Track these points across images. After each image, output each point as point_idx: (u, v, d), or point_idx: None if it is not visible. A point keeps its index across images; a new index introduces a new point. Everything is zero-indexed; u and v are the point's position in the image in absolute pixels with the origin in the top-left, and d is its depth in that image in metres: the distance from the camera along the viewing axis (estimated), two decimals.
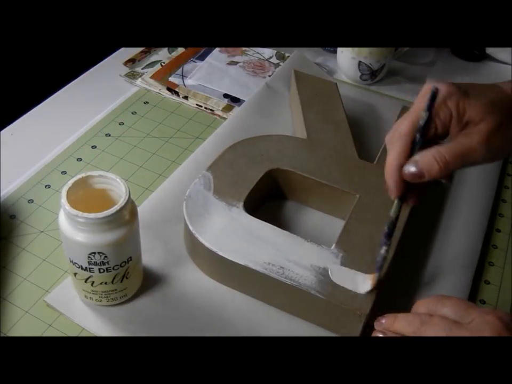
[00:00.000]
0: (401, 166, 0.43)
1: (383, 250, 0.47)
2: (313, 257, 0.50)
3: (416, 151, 0.43)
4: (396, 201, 0.45)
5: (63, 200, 0.44)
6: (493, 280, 0.57)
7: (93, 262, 0.45)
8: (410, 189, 0.45)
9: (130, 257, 0.47)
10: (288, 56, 0.83)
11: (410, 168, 0.42)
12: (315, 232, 0.58)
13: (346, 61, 0.79)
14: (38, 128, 0.71)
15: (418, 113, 0.43)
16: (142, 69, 0.80)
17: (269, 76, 0.80)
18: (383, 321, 0.43)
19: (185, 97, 0.76)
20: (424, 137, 0.43)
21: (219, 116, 0.74)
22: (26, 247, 0.56)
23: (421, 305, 0.43)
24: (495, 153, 0.42)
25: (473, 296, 0.55)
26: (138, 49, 0.84)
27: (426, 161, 0.42)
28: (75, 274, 0.47)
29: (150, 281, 0.53)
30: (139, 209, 0.48)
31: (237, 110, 0.74)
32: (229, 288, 0.53)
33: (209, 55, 0.84)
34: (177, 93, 0.76)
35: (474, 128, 0.41)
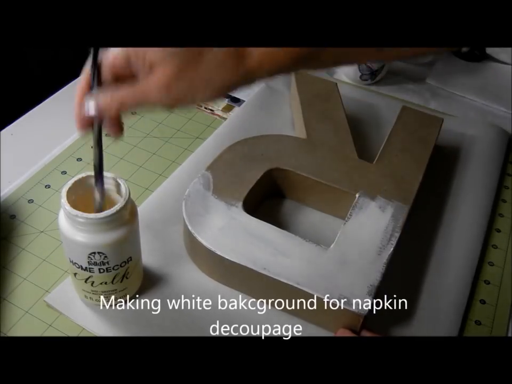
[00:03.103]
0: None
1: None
2: (312, 256, 0.50)
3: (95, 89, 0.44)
4: (95, 130, 0.47)
5: (63, 200, 0.44)
6: (493, 280, 0.57)
7: (93, 262, 0.45)
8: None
9: (130, 257, 0.47)
10: None
11: (89, 108, 0.44)
12: (314, 231, 0.58)
13: None
14: (38, 128, 0.71)
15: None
16: None
17: None
18: None
19: None
20: (98, 84, 0.44)
21: (219, 115, 0.74)
22: (26, 247, 0.56)
23: None
24: (178, 96, 0.43)
25: (473, 296, 0.55)
26: None
27: (103, 101, 0.43)
28: (75, 274, 0.48)
29: (150, 281, 0.53)
30: (139, 209, 0.48)
31: (237, 110, 0.74)
32: (229, 287, 0.53)
33: None
34: None
35: (156, 72, 0.42)
